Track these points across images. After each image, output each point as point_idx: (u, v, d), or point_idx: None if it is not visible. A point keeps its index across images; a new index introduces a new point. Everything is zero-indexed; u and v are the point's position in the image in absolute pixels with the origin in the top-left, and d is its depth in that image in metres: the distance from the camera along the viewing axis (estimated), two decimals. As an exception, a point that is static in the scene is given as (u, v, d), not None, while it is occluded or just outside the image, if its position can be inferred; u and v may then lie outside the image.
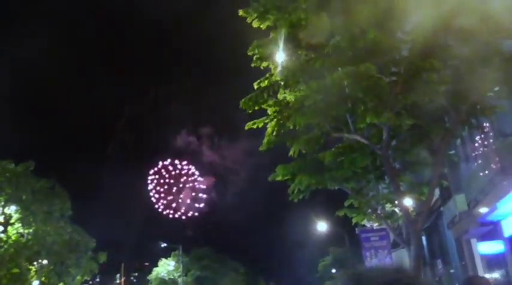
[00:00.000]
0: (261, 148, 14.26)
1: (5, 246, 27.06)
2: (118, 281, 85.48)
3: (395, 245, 17.46)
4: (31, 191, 28.12)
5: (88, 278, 35.33)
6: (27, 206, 27.90)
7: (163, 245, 58.39)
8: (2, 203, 27.49)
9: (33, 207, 27.93)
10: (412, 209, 14.21)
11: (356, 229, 17.72)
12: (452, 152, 14.32)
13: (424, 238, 21.14)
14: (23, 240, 27.92)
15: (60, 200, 29.50)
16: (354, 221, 15.94)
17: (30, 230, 28.27)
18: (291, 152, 13.86)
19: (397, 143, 13.70)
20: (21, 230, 28.29)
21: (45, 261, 29.57)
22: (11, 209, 27.98)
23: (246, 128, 14.08)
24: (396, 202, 14.53)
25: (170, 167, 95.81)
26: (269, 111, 13.83)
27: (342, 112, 13.29)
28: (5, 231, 27.89)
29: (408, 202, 13.92)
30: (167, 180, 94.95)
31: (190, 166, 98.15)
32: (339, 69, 12.61)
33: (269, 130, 13.71)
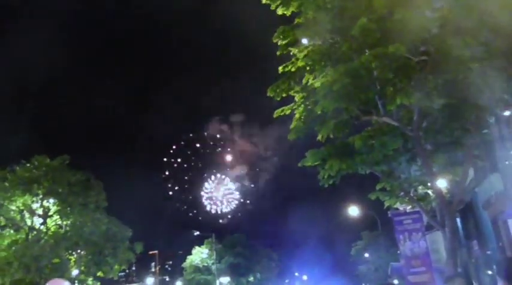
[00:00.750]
0: (289, 137, 14.27)
1: (45, 237, 28.02)
2: (153, 270, 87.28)
3: (429, 228, 17.27)
4: (67, 184, 28.91)
5: (125, 267, 36.19)
6: (65, 199, 28.74)
7: (196, 233, 59.24)
8: (40, 196, 28.40)
9: (70, 199, 28.74)
10: (445, 190, 13.98)
11: (388, 212, 17.55)
12: (486, 131, 13.95)
13: (458, 220, 20.77)
14: (62, 231, 28.83)
15: (96, 192, 30.22)
16: (386, 204, 15.78)
17: (68, 222, 29.14)
18: (319, 137, 13.78)
19: (428, 124, 13.43)
20: (59, 222, 29.23)
21: (83, 252, 30.46)
22: (49, 202, 28.89)
23: (275, 115, 14.08)
24: (429, 184, 14.30)
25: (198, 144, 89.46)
26: (296, 98, 13.79)
27: (371, 95, 13.13)
28: (44, 223, 28.85)
29: (442, 183, 13.69)
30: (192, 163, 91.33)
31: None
32: (367, 51, 12.46)
33: (297, 116, 13.68)
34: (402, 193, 14.99)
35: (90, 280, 33.52)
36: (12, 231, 28.45)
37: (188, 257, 58.27)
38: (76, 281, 31.82)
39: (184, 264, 58.27)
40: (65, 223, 29.16)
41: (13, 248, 26.98)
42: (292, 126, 14.10)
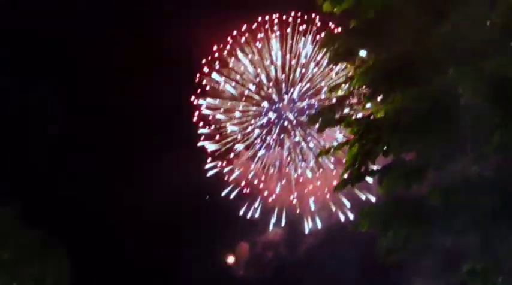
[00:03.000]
0: (334, 190, 11.78)
1: None
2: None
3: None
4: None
5: None
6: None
7: None
8: None
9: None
10: None
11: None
12: None
13: None
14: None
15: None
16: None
17: None
18: (379, 192, 10.28)
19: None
20: None
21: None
22: None
23: (319, 156, 10.87)
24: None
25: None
26: (348, 132, 10.32)
27: (455, 130, 9.47)
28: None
29: None
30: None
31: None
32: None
33: (348, 158, 10.01)
34: (500, 280, 10.80)
35: None
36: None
37: None
38: None
39: None
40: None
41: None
42: (340, 180, 10.65)
